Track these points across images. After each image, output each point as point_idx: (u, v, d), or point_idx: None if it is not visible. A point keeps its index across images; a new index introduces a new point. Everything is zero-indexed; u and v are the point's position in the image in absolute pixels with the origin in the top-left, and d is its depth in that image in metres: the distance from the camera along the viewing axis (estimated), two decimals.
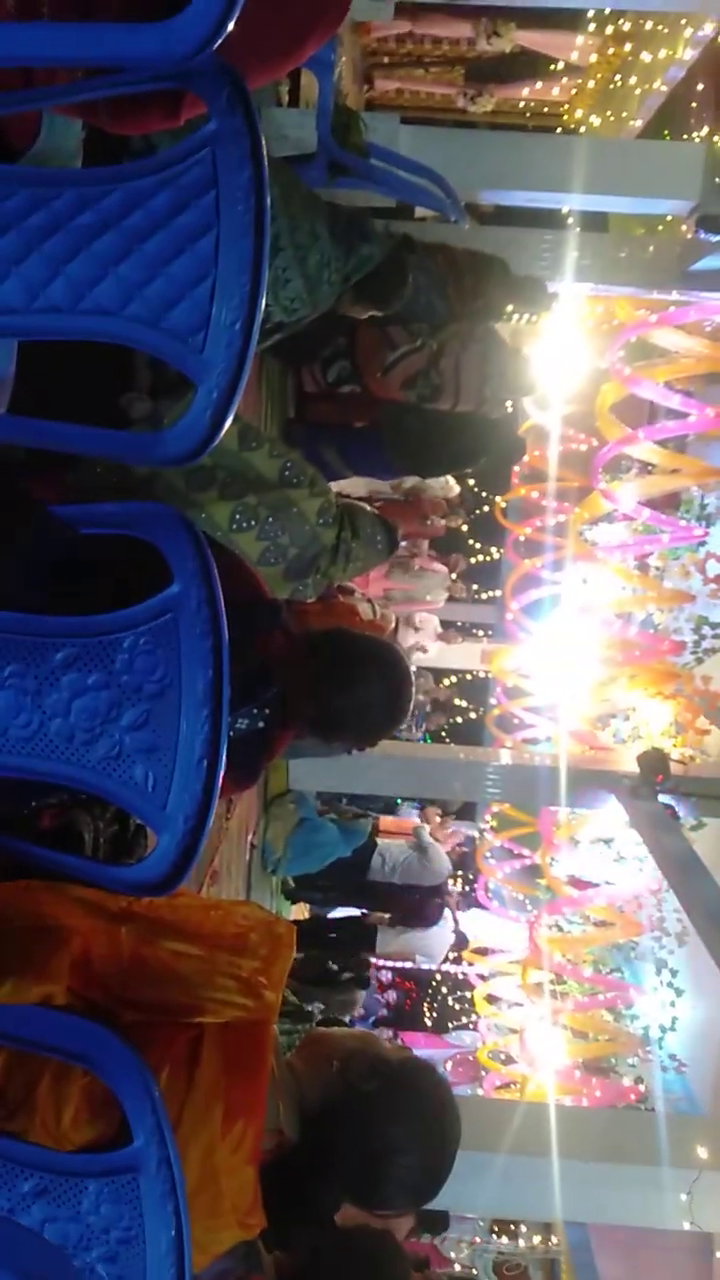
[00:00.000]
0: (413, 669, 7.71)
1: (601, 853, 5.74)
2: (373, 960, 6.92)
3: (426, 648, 7.85)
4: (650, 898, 5.45)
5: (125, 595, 1.06)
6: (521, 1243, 6.06)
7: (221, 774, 1.05)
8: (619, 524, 5.90)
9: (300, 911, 6.95)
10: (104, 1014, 1.11)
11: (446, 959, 7.13)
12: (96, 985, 1.13)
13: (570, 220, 5.24)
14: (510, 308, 4.35)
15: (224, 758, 1.04)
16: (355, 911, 6.84)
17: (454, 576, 7.82)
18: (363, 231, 2.73)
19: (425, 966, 7.41)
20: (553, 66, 7.24)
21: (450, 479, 6.85)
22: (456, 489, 7.20)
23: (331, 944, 6.60)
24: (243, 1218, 1.16)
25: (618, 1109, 4.98)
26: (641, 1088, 5.61)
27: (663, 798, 4.88)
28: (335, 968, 6.34)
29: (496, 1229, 6.33)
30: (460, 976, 7.05)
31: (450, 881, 7.38)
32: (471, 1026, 7.54)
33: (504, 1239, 6.19)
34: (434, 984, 7.57)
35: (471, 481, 8.44)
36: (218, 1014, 1.17)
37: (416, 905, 6.47)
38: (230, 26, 0.98)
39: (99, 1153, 1.06)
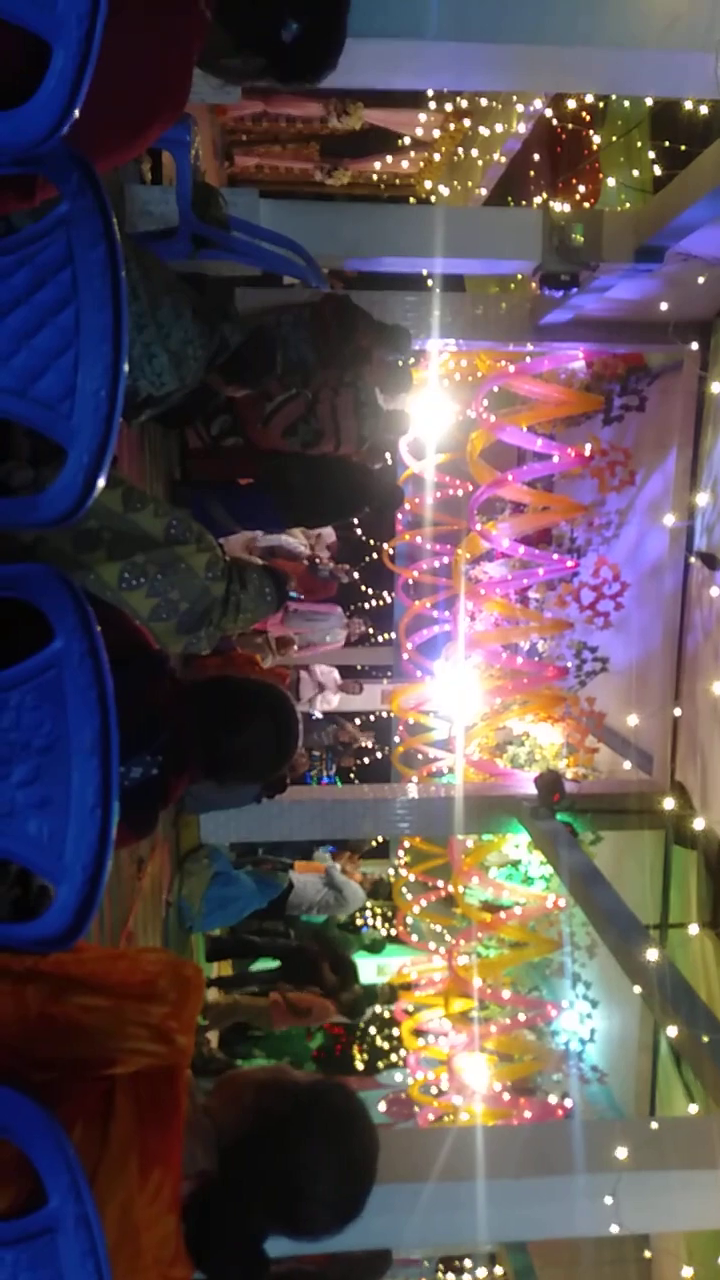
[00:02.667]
0: (318, 715, 7.79)
1: (510, 875, 5.93)
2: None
3: (330, 698, 7.97)
4: (559, 914, 5.65)
5: (8, 655, 1.07)
6: (467, 1278, 6.07)
7: (116, 820, 1.06)
8: (497, 562, 6.22)
9: (224, 968, 6.90)
10: (11, 1076, 1.08)
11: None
12: (3, 1048, 1.11)
13: (430, 282, 5.57)
14: (376, 352, 4.61)
15: (117, 803, 1.06)
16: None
17: (349, 616, 8.00)
18: (224, 312, 2.88)
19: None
20: (401, 141, 7.73)
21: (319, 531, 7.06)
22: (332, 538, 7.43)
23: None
24: (166, 1270, 1.14)
25: (541, 1124, 5.08)
26: (569, 1103, 5.75)
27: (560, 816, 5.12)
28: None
29: (442, 1267, 6.32)
30: (386, 1015, 7.08)
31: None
32: (402, 1063, 7.56)
33: (451, 1275, 6.18)
34: (361, 1025, 7.56)
35: (359, 531, 8.72)
36: (129, 1063, 1.15)
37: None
38: (75, 114, 1.05)
39: (12, 1219, 1.02)
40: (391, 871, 8.08)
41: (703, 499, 4.70)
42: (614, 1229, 3.27)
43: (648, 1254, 4.89)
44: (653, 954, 3.55)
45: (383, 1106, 6.87)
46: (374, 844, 8.47)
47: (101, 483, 1.13)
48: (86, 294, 1.11)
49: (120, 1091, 1.13)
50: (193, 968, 1.35)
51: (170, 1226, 1.14)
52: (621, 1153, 3.22)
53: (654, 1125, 3.58)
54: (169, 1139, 1.15)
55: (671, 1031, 3.35)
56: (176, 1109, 1.18)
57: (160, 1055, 1.19)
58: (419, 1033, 6.72)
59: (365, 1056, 8.09)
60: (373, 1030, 7.85)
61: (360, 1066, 7.99)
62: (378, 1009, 6.86)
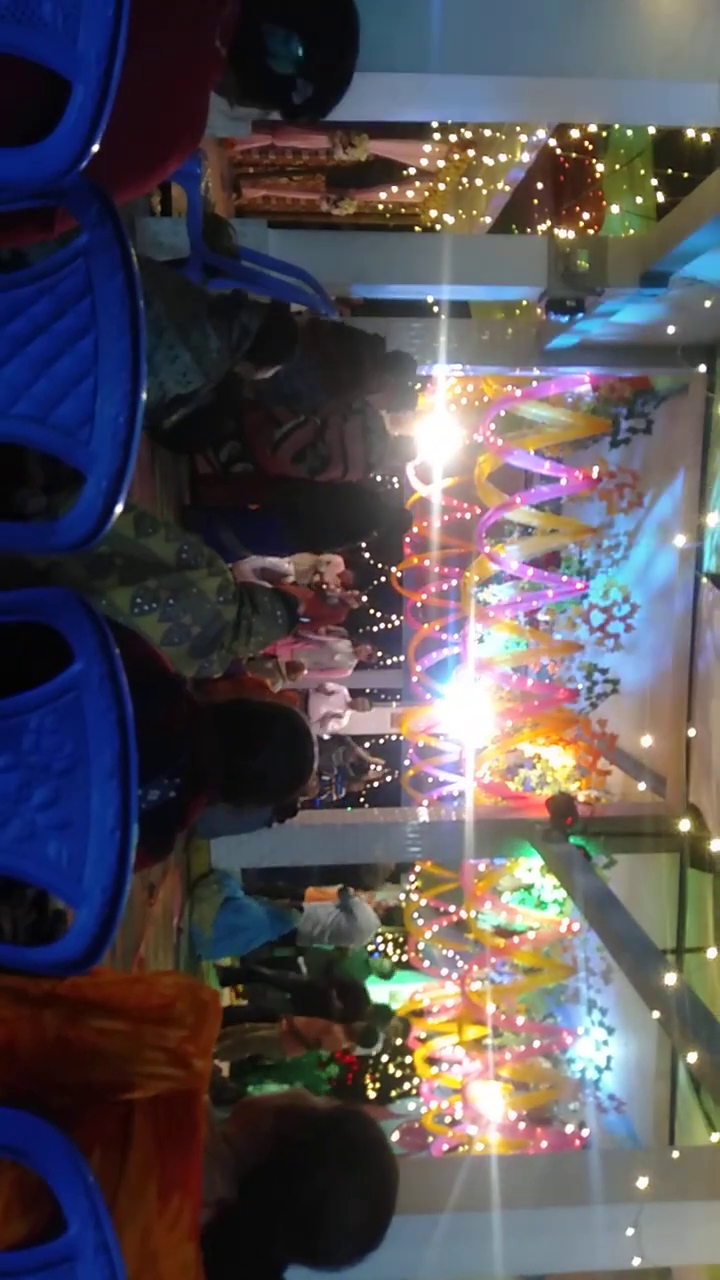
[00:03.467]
0: (328, 737, 7.79)
1: (523, 900, 5.88)
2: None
3: (341, 715, 7.97)
4: (574, 939, 5.59)
5: (27, 678, 1.07)
6: None
7: (135, 842, 1.07)
8: (506, 584, 6.23)
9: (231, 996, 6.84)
10: (30, 1101, 1.08)
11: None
12: (21, 1073, 1.10)
13: (435, 309, 5.63)
14: (383, 378, 4.65)
15: (136, 826, 1.06)
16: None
17: (358, 639, 8.03)
18: (238, 302, 2.93)
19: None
20: (406, 172, 7.84)
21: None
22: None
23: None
24: None
25: (559, 1154, 5.00)
26: (585, 1132, 5.66)
27: (574, 839, 5.09)
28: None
29: None
30: (398, 1043, 7.00)
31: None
32: (415, 1092, 7.46)
33: None
34: (374, 1054, 7.48)
35: (367, 555, 8.76)
36: (147, 1088, 1.15)
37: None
38: (95, 148, 1.07)
39: (32, 1246, 1.01)
40: (403, 896, 8.02)
41: (712, 519, 4.71)
42: (636, 1261, 3.21)
43: None
44: (670, 979, 3.51)
45: (396, 1136, 6.77)
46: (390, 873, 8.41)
47: (119, 508, 1.14)
48: (105, 322, 1.13)
49: (138, 1116, 1.13)
50: (210, 991, 1.34)
51: (189, 1254, 1.13)
52: (642, 1182, 3.16)
53: (675, 1154, 3.52)
54: (188, 1164, 1.15)
55: (691, 1058, 3.30)
56: (195, 1134, 1.17)
57: (178, 1079, 1.18)
58: (432, 1061, 6.63)
59: (378, 1085, 7.99)
60: (385, 1058, 7.76)
61: (373, 1095, 7.89)
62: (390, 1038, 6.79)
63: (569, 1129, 5.70)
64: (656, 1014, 3.54)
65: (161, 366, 2.62)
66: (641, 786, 5.45)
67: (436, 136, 7.17)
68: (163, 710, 1.54)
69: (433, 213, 7.99)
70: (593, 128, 5.26)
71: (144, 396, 1.15)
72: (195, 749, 1.60)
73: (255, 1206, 1.23)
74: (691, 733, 4.99)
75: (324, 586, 7.54)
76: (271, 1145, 1.26)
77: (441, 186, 7.76)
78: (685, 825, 4.76)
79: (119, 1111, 1.13)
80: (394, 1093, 7.95)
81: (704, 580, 4.80)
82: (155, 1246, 1.09)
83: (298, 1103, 1.32)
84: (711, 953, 4.48)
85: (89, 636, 1.09)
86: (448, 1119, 6.36)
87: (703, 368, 4.70)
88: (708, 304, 4.11)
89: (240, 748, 1.67)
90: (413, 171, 7.81)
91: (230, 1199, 1.23)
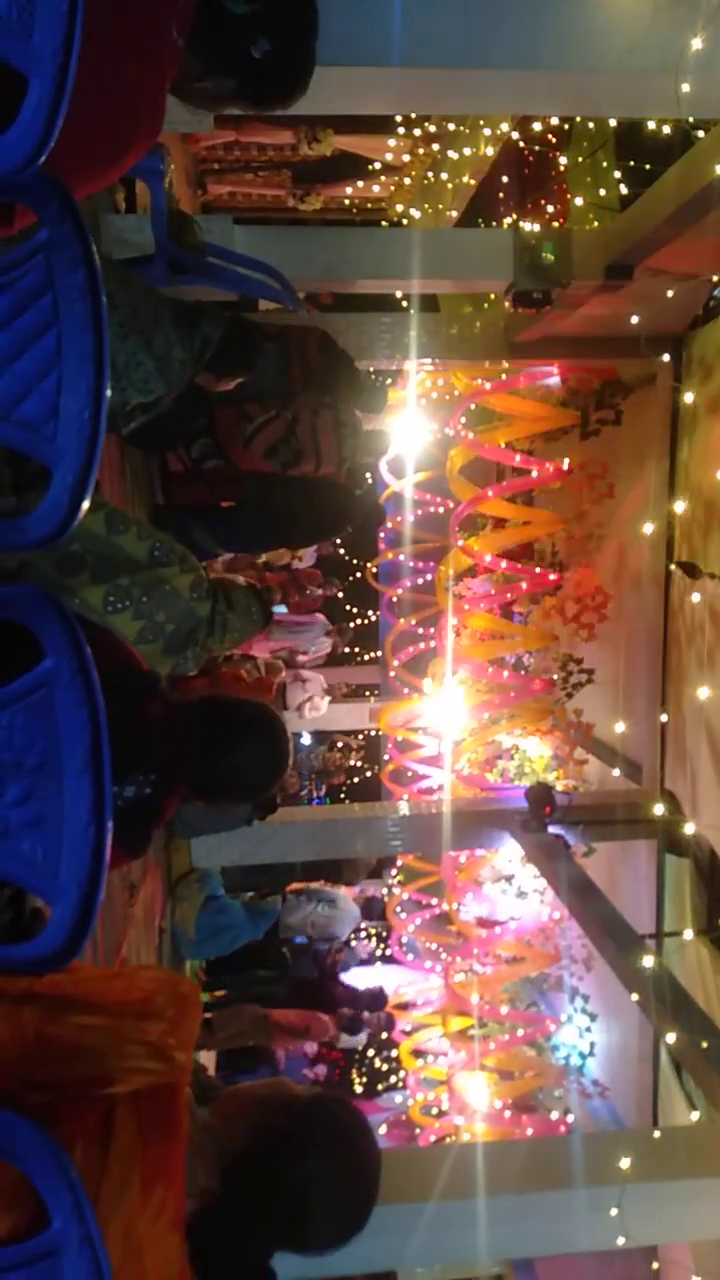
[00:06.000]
0: (308, 735, 7.81)
1: (505, 890, 5.92)
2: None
3: (318, 704, 7.95)
4: (555, 927, 5.64)
5: None
6: None
7: (109, 837, 1.07)
8: (481, 577, 6.26)
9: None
10: (10, 1098, 1.08)
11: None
12: (1, 1071, 1.11)
13: (405, 303, 5.63)
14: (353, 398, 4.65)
15: (110, 821, 1.07)
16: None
17: (331, 627, 8.03)
18: (200, 310, 2.92)
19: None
20: (371, 166, 7.84)
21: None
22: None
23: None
24: None
25: (542, 1139, 5.05)
26: (570, 1118, 5.72)
27: (553, 828, 5.13)
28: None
29: None
30: (384, 1036, 7.03)
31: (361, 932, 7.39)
32: (401, 1085, 7.49)
33: None
34: (359, 1048, 7.50)
35: (342, 550, 8.78)
36: (128, 1082, 1.16)
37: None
38: (52, 143, 1.07)
39: (16, 1242, 1.01)
40: (385, 890, 8.05)
41: (680, 508, 4.76)
42: (620, 1241, 3.24)
43: (655, 1265, 4.85)
44: (648, 961, 3.55)
45: (383, 1129, 6.80)
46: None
47: (87, 503, 1.14)
48: (68, 318, 1.12)
49: (120, 1110, 1.13)
50: (190, 984, 1.35)
51: (174, 1246, 1.13)
52: (624, 1163, 3.19)
53: (656, 1135, 3.56)
54: (171, 1157, 1.15)
55: (670, 1038, 3.34)
56: (177, 1126, 1.18)
57: (159, 1073, 1.19)
58: (418, 1053, 6.67)
59: (364, 1079, 8.02)
60: (371, 1053, 7.79)
61: (359, 1089, 7.92)
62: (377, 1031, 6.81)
63: (554, 1116, 5.75)
64: (635, 997, 3.58)
65: (124, 372, 2.61)
66: (615, 773, 5.50)
67: (401, 131, 7.17)
68: (136, 707, 1.55)
69: (399, 207, 7.99)
70: (555, 120, 5.29)
71: (108, 392, 1.15)
72: (170, 746, 1.60)
73: (239, 1195, 1.23)
74: (664, 718, 5.04)
75: (296, 567, 7.51)
76: (254, 1134, 1.27)
77: (407, 181, 7.77)
78: (661, 810, 4.81)
79: (100, 1106, 1.13)
80: (380, 1086, 7.99)
81: (674, 569, 4.85)
82: (139, 1239, 1.09)
83: (279, 1091, 1.33)
84: (688, 934, 4.54)
85: (59, 633, 1.09)
86: (434, 1110, 6.39)
87: (667, 357, 4.75)
88: (670, 294, 4.15)
89: (215, 745, 1.67)
90: (378, 166, 7.81)
91: (214, 1189, 1.23)
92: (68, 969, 1.14)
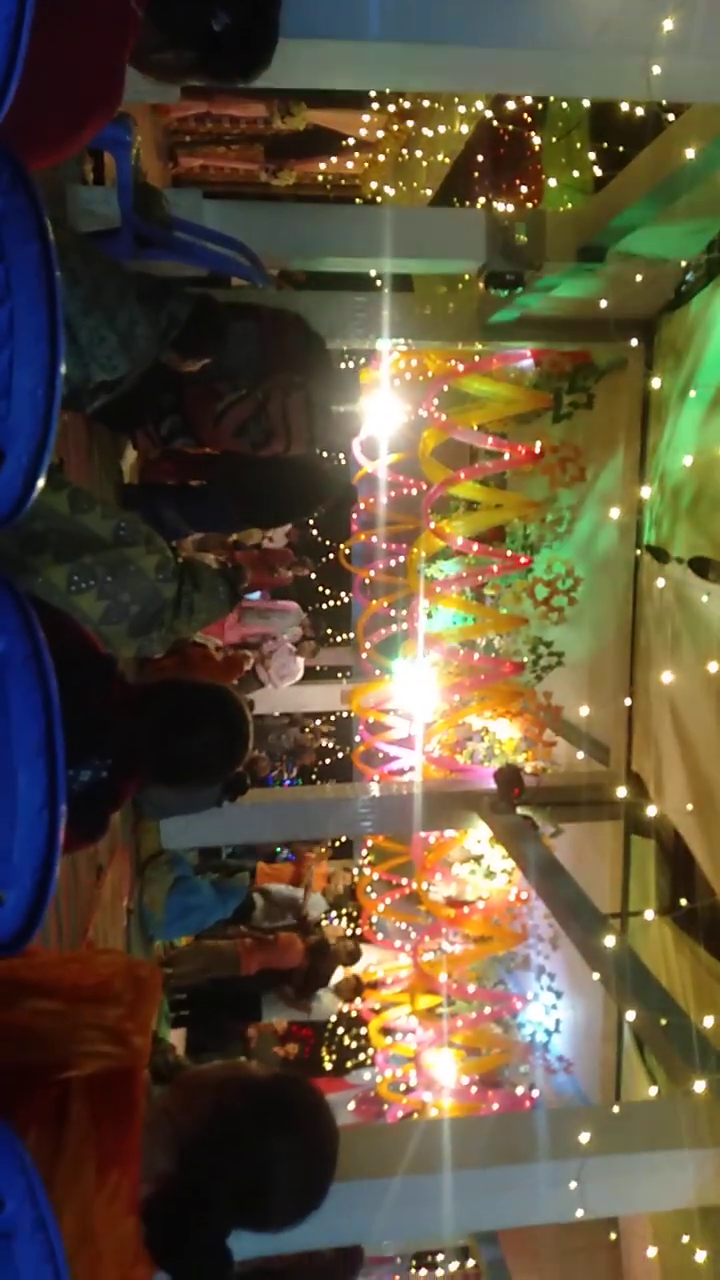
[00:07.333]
0: (281, 715, 7.77)
1: (473, 871, 5.98)
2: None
3: (294, 670, 7.85)
4: (522, 907, 5.70)
5: None
6: (440, 1272, 6.10)
7: (63, 821, 1.06)
8: (453, 560, 6.26)
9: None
10: None
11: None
12: None
13: (379, 282, 5.58)
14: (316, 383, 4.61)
15: (64, 806, 1.06)
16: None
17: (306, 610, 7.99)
18: (167, 288, 2.88)
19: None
20: (345, 142, 7.75)
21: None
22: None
23: (216, 1018, 6.52)
24: (127, 1271, 1.14)
25: (506, 1114, 5.13)
26: (535, 1093, 5.81)
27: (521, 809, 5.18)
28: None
29: (415, 1263, 6.35)
30: (354, 1014, 7.09)
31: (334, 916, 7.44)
32: (370, 1062, 7.57)
33: (424, 1271, 6.21)
34: (329, 1027, 7.58)
35: (315, 531, 8.74)
36: (84, 1066, 1.15)
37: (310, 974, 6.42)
38: (3, 112, 1.04)
39: None
40: (355, 871, 8.09)
41: (650, 493, 4.78)
42: (579, 1213, 3.30)
43: (613, 1236, 4.96)
44: (610, 940, 3.61)
45: (352, 1106, 6.87)
46: (336, 844, 8.48)
47: (41, 482, 1.12)
48: (21, 293, 1.10)
49: (75, 1095, 1.13)
50: (148, 968, 1.35)
51: (130, 1228, 1.14)
52: (585, 1137, 3.25)
53: (615, 1109, 3.63)
54: (126, 1140, 1.15)
55: (632, 1016, 3.40)
56: (133, 1110, 1.18)
57: (116, 1057, 1.18)
58: (386, 1031, 6.73)
59: (334, 1057, 8.10)
60: (341, 1030, 7.87)
61: (329, 1067, 8.00)
62: (343, 1007, 6.86)
63: (519, 1091, 5.84)
64: (598, 975, 3.64)
65: (87, 348, 2.56)
66: (580, 755, 5.55)
67: (375, 106, 7.09)
68: (92, 691, 1.53)
69: (373, 184, 7.91)
70: (529, 100, 5.25)
71: (62, 369, 1.13)
72: (127, 730, 1.59)
73: (197, 1177, 1.23)
74: (628, 701, 5.09)
75: (267, 546, 7.44)
76: (211, 1116, 1.26)
77: (381, 158, 7.69)
78: (624, 792, 4.87)
79: (55, 1091, 1.13)
80: (350, 1064, 8.07)
81: (643, 553, 4.88)
82: (94, 1222, 1.09)
83: (237, 1073, 1.33)
84: (649, 914, 4.61)
85: (11, 615, 1.08)
86: (402, 1087, 6.47)
87: (637, 342, 4.75)
88: (640, 278, 4.14)
89: (171, 728, 1.66)
90: (352, 142, 7.73)
91: (171, 1172, 1.24)
92: (23, 954, 1.13)
